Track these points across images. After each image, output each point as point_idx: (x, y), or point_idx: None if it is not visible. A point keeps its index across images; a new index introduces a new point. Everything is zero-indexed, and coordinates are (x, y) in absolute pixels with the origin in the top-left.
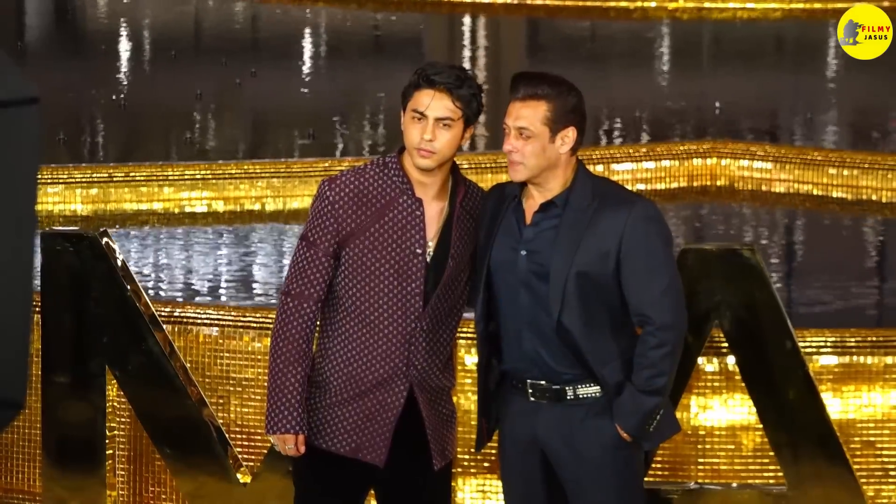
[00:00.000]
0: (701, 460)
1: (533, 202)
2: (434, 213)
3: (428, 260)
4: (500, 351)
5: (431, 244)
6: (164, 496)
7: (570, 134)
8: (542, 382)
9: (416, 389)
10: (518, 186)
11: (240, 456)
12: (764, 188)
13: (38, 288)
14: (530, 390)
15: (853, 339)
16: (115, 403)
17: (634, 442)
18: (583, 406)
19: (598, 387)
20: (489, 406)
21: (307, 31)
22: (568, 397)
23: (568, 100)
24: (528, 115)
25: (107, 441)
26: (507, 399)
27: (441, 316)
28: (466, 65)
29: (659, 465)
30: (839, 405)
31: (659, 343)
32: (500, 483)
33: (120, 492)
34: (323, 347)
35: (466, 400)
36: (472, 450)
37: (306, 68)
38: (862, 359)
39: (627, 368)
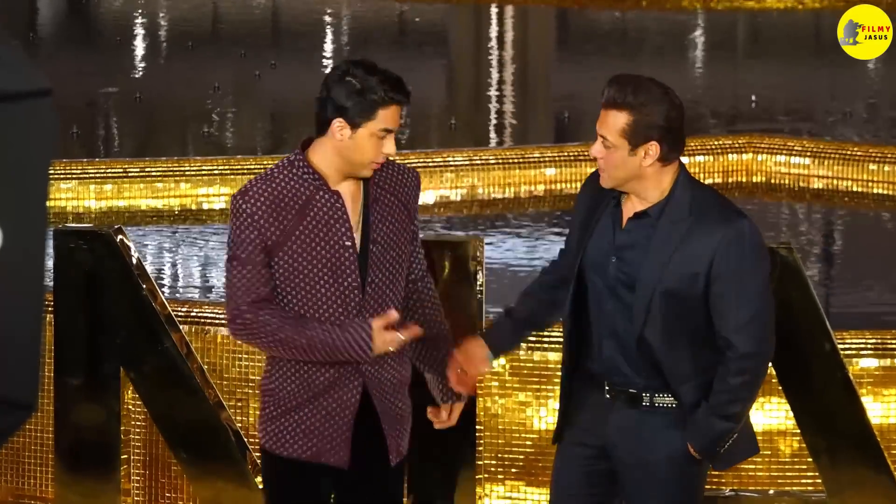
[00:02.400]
0: (737, 466)
1: (630, 205)
2: (352, 201)
3: (358, 250)
4: (586, 348)
5: (357, 234)
6: (180, 502)
7: (653, 149)
8: (620, 384)
9: (369, 386)
10: None
11: (258, 461)
12: (802, 184)
13: (51, 287)
14: (607, 387)
15: (894, 341)
16: (130, 406)
17: (703, 460)
18: (657, 414)
19: (672, 397)
20: (567, 404)
21: (329, 21)
22: (643, 403)
23: (653, 112)
24: (609, 124)
25: (121, 445)
26: (584, 392)
27: (383, 304)
28: (493, 56)
29: None
30: (880, 409)
31: (739, 370)
32: (528, 489)
33: (135, 498)
34: (271, 356)
35: (494, 403)
36: (500, 455)
37: (328, 60)
38: None
39: (706, 387)
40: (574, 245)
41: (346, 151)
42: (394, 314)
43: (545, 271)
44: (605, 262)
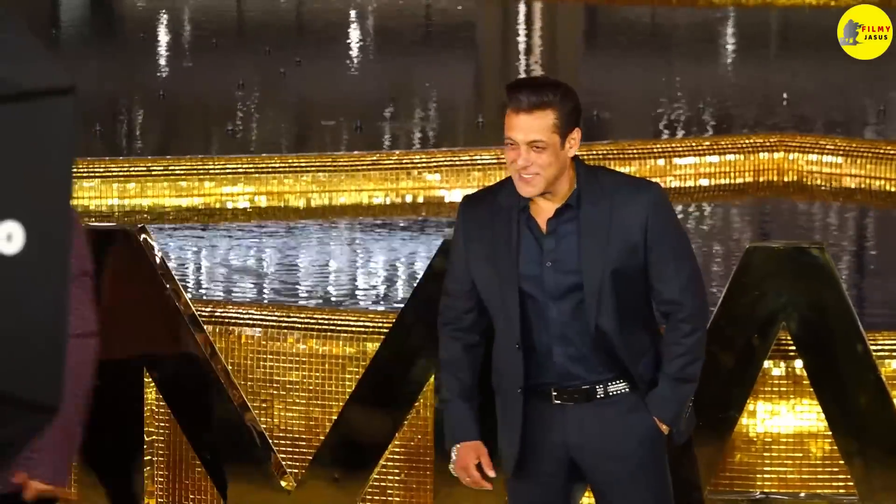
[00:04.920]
0: (767, 469)
1: (539, 208)
2: None
3: None
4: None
5: None
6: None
7: (576, 135)
8: (570, 387)
9: None
10: (514, 195)
11: (283, 462)
12: (834, 184)
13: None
14: (555, 393)
15: None
16: (154, 407)
17: (668, 436)
18: (613, 403)
19: (625, 383)
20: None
21: (354, 17)
22: (598, 396)
23: (568, 101)
24: (539, 126)
25: (145, 447)
26: (532, 409)
27: None
28: (521, 53)
29: (723, 474)
30: None
31: (693, 329)
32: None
33: (158, 499)
34: None
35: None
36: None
37: (353, 57)
38: None
39: (657, 361)
40: (487, 273)
41: None
42: None
43: (449, 320)
44: (539, 272)
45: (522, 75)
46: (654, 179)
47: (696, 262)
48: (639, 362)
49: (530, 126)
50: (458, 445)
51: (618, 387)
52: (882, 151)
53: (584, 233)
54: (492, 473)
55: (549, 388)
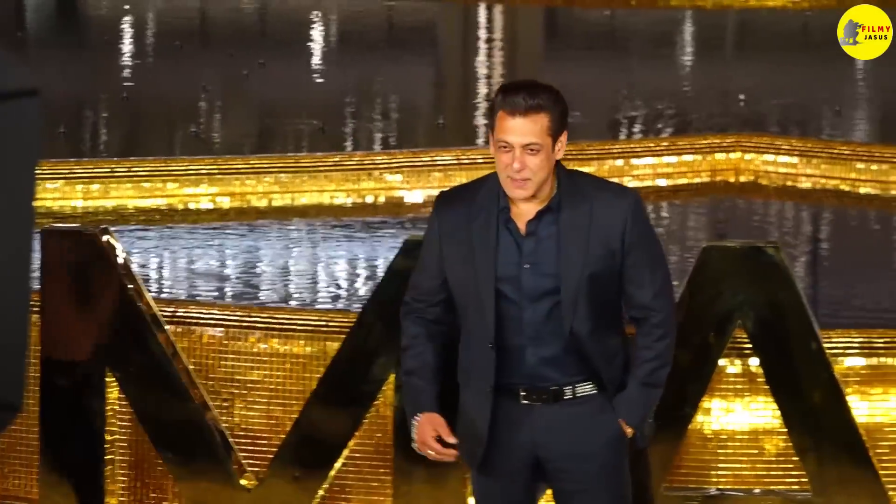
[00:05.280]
0: (722, 465)
1: (519, 210)
2: None
3: None
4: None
5: None
6: (165, 503)
7: (564, 138)
8: (539, 387)
9: None
10: (494, 195)
11: (244, 461)
12: (789, 183)
13: (37, 287)
14: (522, 394)
15: (881, 340)
16: (116, 407)
17: (630, 439)
18: (581, 404)
19: (592, 384)
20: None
21: (317, 19)
22: (566, 397)
23: (560, 104)
24: (534, 129)
25: (107, 446)
26: (500, 408)
27: None
28: (481, 54)
29: (678, 471)
30: (866, 408)
31: (664, 334)
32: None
33: (120, 499)
34: None
35: None
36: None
37: (316, 59)
38: (890, 360)
39: (626, 364)
40: (462, 271)
41: None
42: None
43: (412, 311)
44: (517, 273)
45: (483, 76)
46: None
47: (668, 269)
48: (610, 365)
49: (526, 129)
50: (417, 418)
51: (585, 388)
52: (837, 152)
53: (563, 236)
54: (451, 440)
55: (518, 387)
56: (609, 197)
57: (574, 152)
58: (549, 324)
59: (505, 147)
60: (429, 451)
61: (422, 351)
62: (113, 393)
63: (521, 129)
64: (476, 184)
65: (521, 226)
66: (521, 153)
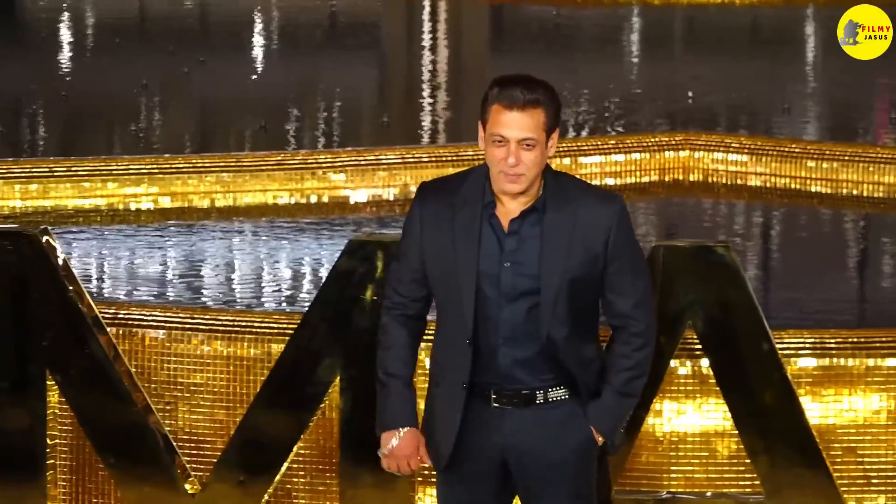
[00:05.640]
0: (674, 468)
1: (503, 207)
2: None
3: None
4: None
5: None
6: None
7: (556, 136)
8: (510, 390)
9: None
10: (479, 189)
11: (188, 465)
12: (739, 182)
13: None
14: (493, 396)
15: (833, 340)
16: (57, 410)
17: (601, 447)
18: (553, 409)
19: (565, 389)
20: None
21: (259, 16)
22: (538, 401)
23: (555, 101)
24: (531, 124)
25: (48, 450)
26: (452, 405)
27: None
28: (426, 52)
29: (630, 474)
30: (819, 410)
31: (643, 344)
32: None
33: (62, 503)
34: None
35: None
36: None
37: (258, 56)
38: (842, 361)
39: (601, 371)
40: (443, 265)
41: None
42: None
43: (396, 305)
44: (497, 271)
45: (427, 74)
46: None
47: (649, 279)
48: (585, 371)
49: (524, 123)
50: (403, 431)
51: (557, 393)
52: (787, 149)
53: (546, 238)
54: (426, 461)
55: (490, 389)
56: (594, 201)
57: None
58: (525, 325)
59: (500, 141)
60: (405, 466)
61: (405, 355)
62: (53, 397)
63: (518, 123)
64: (460, 176)
65: (504, 223)
66: (516, 148)
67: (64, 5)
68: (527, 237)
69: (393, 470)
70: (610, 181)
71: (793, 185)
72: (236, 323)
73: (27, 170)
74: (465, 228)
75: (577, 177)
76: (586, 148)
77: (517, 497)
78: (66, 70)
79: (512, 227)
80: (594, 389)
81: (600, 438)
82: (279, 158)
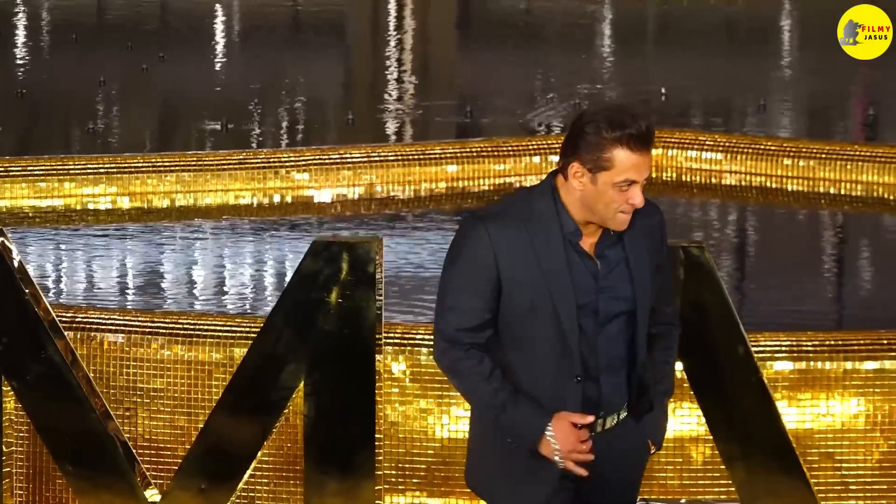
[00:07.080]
0: (647, 475)
1: (587, 238)
2: None
3: None
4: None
5: None
6: None
7: None
8: (608, 414)
9: None
10: (554, 220)
11: (148, 473)
12: (714, 180)
13: None
14: (598, 431)
15: (810, 343)
16: (13, 417)
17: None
18: (624, 427)
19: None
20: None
21: (221, 11)
22: (618, 423)
23: None
24: (650, 162)
25: (3, 458)
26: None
27: None
28: (392, 49)
29: None
30: (795, 414)
31: (675, 347)
32: (430, 499)
33: None
34: None
35: (394, 411)
36: (401, 465)
37: (219, 53)
38: (819, 364)
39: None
40: (534, 302)
41: None
42: None
43: (475, 344)
44: (593, 299)
45: (394, 72)
46: (529, 177)
47: None
48: (653, 385)
49: (650, 162)
50: (549, 427)
51: (623, 413)
52: (762, 147)
53: (632, 258)
54: (588, 420)
55: (595, 421)
56: (647, 213)
57: (489, 149)
58: (617, 349)
59: (630, 184)
60: (577, 455)
61: (503, 384)
62: (9, 403)
63: (648, 163)
64: (519, 203)
65: (589, 251)
66: (639, 186)
67: (20, 2)
68: (614, 261)
69: (582, 460)
70: None
71: (768, 183)
72: (197, 326)
73: None
74: (553, 262)
75: None
76: (556, 146)
77: None
78: (22, 67)
79: (598, 253)
80: (648, 400)
81: (652, 448)
82: (241, 157)
